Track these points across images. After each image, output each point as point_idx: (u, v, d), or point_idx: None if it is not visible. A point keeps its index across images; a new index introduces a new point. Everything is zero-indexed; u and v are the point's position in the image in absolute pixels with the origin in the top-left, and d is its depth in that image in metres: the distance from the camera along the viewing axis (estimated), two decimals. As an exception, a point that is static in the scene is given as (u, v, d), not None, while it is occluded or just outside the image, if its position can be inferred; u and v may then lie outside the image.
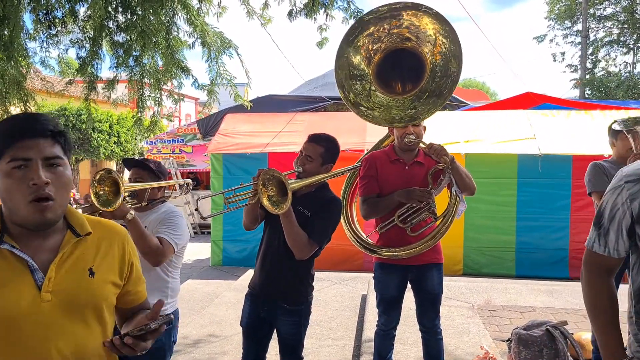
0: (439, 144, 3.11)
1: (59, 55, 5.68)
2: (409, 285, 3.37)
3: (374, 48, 3.15)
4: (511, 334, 3.81)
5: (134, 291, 1.57)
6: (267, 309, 2.84)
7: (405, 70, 3.21)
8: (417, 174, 3.22)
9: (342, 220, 3.59)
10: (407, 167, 3.24)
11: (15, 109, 5.42)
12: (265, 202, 2.56)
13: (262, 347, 2.94)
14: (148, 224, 2.80)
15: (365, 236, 3.49)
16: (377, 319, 3.45)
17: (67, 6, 5.13)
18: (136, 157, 20.22)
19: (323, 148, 2.83)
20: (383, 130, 8.50)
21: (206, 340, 4.85)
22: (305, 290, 2.87)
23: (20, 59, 5.00)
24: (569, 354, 3.42)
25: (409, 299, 3.42)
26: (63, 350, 1.32)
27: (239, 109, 9.11)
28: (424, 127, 3.29)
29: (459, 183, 3.10)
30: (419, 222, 3.15)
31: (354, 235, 3.52)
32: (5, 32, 4.70)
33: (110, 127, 21.55)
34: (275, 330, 2.91)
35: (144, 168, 2.89)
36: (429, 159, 3.24)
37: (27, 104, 5.18)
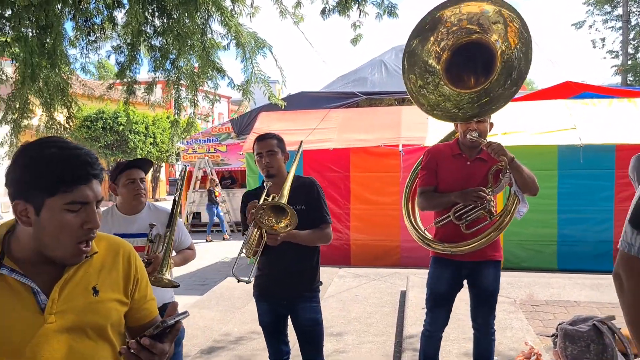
0: (498, 142, 3.03)
1: (98, 61, 5.83)
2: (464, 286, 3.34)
3: (441, 46, 3.08)
4: (556, 329, 3.74)
5: (142, 308, 1.51)
6: (285, 303, 2.97)
7: (476, 63, 3.10)
8: (478, 170, 3.16)
9: (403, 211, 3.60)
10: (468, 163, 3.19)
11: (58, 115, 5.59)
12: (280, 227, 2.71)
13: (284, 340, 3.10)
14: (146, 222, 2.93)
15: (423, 229, 3.49)
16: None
17: (105, 13, 5.26)
18: (174, 157, 20.35)
19: (275, 139, 2.98)
20: (420, 126, 8.33)
21: (248, 337, 4.92)
22: (318, 272, 3.06)
23: (62, 65, 5.15)
24: (617, 349, 3.33)
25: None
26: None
27: (272, 107, 9.15)
28: (491, 124, 3.21)
29: (518, 183, 3.04)
30: (474, 219, 3.11)
31: (413, 227, 3.52)
32: (48, 41, 4.86)
33: (146, 128, 22.03)
34: (294, 326, 3.04)
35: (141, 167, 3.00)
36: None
37: (71, 109, 5.34)
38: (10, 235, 1.33)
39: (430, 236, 3.40)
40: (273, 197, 2.80)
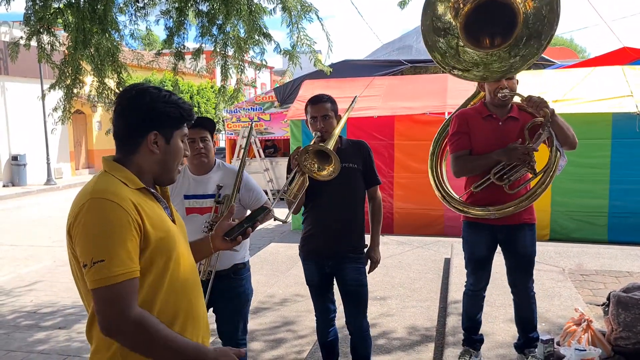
0: (538, 95, 2.97)
1: (147, 27, 5.89)
2: (498, 248, 3.29)
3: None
4: (607, 297, 3.66)
5: None
6: (331, 263, 3.00)
7: (496, 22, 3.07)
8: (512, 129, 3.09)
9: (430, 177, 3.52)
10: (500, 123, 3.12)
11: (109, 81, 5.71)
12: (322, 175, 2.69)
13: (331, 298, 3.16)
14: (214, 182, 2.91)
15: (453, 193, 3.39)
16: (465, 280, 3.41)
17: (153, -21, 5.31)
18: (221, 124, 20.29)
19: (329, 103, 2.98)
20: (465, 93, 8.23)
21: (292, 299, 5.02)
22: (364, 234, 3.05)
23: (112, 31, 5.24)
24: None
25: (497, 261, 3.34)
26: (192, 263, 1.67)
27: (316, 75, 9.10)
28: (517, 81, 3.14)
29: (559, 136, 2.97)
30: (517, 178, 3.04)
31: (443, 193, 3.42)
32: (99, 7, 4.94)
33: (190, 97, 22.32)
34: (338, 287, 3.08)
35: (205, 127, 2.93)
36: (523, 114, 3.12)
37: (121, 75, 5.43)
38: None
39: (462, 200, 3.30)
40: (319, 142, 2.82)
